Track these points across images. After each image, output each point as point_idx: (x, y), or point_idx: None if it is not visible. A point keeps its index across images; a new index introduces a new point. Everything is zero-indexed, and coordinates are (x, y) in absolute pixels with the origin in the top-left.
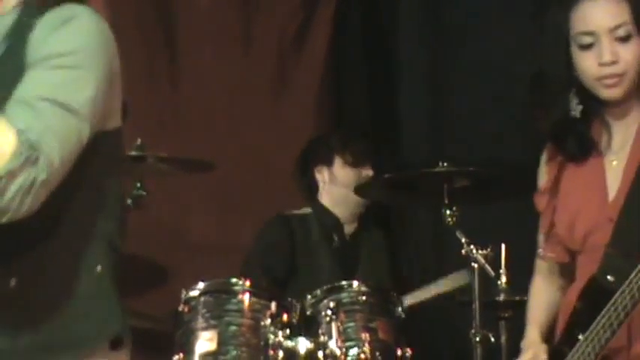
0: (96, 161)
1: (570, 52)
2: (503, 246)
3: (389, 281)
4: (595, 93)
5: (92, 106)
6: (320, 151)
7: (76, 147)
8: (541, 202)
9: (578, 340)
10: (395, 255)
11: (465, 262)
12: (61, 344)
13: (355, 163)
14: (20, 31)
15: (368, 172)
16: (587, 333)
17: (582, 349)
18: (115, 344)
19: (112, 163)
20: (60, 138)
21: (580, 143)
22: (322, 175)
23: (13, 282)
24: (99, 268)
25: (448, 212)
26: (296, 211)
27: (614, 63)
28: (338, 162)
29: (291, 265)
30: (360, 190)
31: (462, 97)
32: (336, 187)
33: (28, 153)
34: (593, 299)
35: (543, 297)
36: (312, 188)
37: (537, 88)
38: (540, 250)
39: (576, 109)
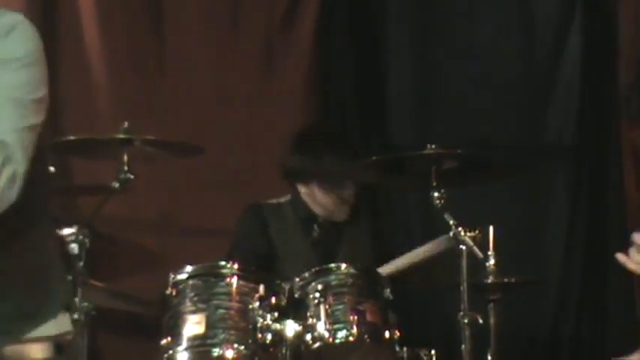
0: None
1: None
2: (491, 228)
3: (374, 265)
4: None
5: (46, 102)
6: (299, 169)
7: (35, 140)
8: None
9: None
10: (383, 237)
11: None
12: (27, 313)
13: (332, 187)
14: None
15: (350, 191)
16: None
17: None
18: (67, 309)
19: (43, 149)
20: (25, 133)
21: None
22: (303, 190)
23: None
24: (50, 245)
25: (436, 194)
26: (270, 201)
27: None
28: (315, 185)
29: (269, 253)
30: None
31: (450, 78)
32: (316, 204)
33: (4, 152)
34: None
35: None
36: (295, 188)
37: None
38: None
39: None
